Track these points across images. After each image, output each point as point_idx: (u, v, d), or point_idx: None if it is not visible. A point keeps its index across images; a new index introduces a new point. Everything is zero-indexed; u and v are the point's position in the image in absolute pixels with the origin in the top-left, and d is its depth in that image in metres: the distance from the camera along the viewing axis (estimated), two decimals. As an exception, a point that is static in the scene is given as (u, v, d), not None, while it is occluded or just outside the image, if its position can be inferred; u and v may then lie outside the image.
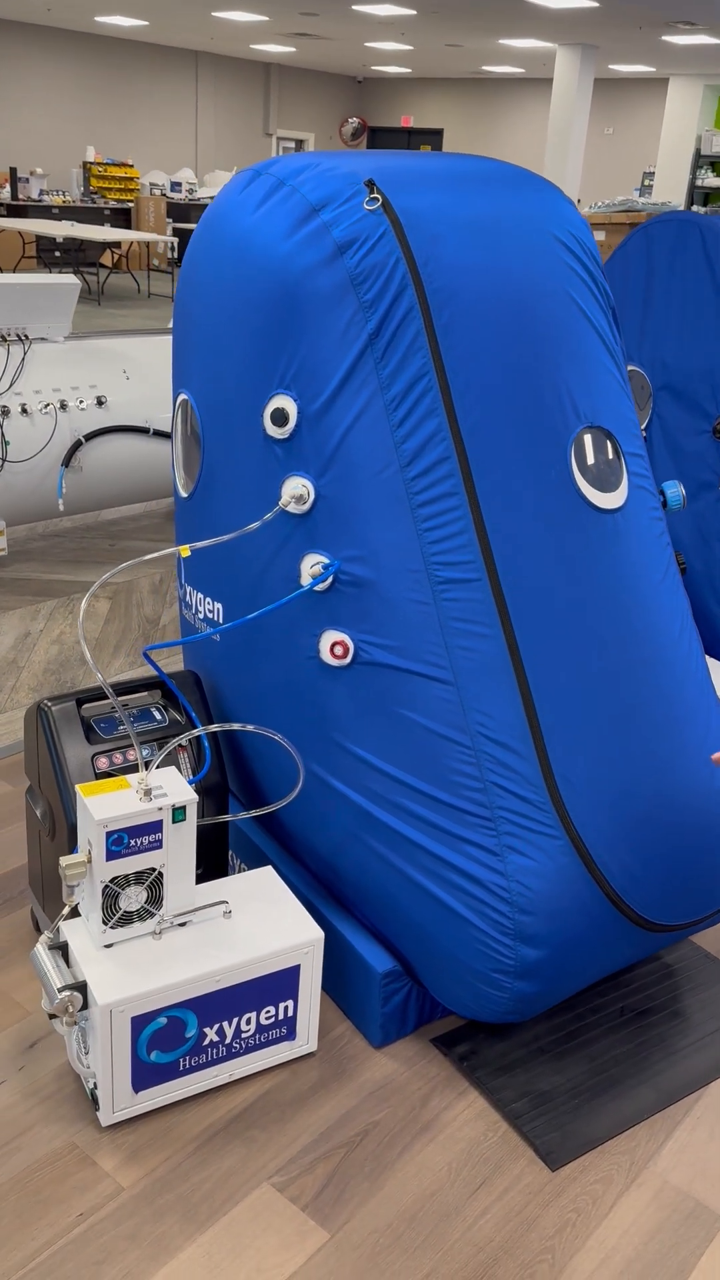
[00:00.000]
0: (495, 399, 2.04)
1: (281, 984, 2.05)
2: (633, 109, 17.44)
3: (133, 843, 1.93)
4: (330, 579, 2.05)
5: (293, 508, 2.07)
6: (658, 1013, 2.31)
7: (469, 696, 1.99)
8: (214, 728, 1.93)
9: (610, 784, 2.02)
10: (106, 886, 1.94)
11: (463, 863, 1.98)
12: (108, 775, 2.16)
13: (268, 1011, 2.06)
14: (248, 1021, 2.05)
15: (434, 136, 19.77)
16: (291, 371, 2.06)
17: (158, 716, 2.27)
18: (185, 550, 2.03)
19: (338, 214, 2.03)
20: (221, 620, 2.29)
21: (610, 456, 2.16)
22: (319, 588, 2.06)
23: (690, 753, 2.13)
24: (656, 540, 2.21)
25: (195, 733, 1.94)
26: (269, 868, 2.24)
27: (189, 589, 2.42)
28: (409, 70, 19.20)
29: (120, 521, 5.34)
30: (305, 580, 2.08)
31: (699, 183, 16.08)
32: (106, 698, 2.23)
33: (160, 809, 1.93)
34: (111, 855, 1.91)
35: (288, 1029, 2.11)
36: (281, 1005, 2.07)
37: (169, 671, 2.22)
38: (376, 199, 2.03)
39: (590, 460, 2.12)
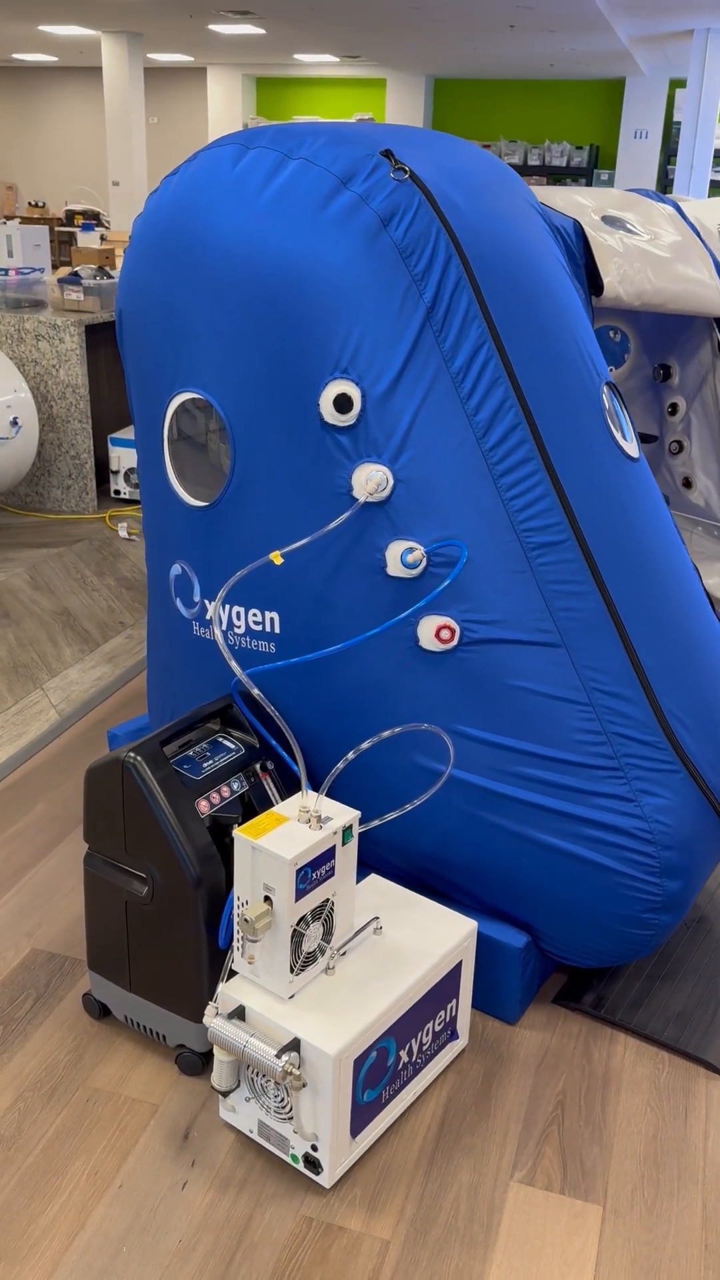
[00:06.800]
0: (541, 361, 2.07)
1: (449, 985, 1.98)
2: (174, 99, 17.55)
3: (313, 876, 1.77)
4: (424, 564, 1.98)
5: (372, 497, 1.97)
6: (713, 917, 2.50)
7: (578, 655, 2.03)
8: (366, 745, 1.80)
9: (701, 710, 2.15)
10: (294, 930, 1.76)
11: (600, 815, 2.02)
12: (214, 819, 1.95)
13: (440, 1017, 1.99)
14: (427, 1033, 1.96)
15: (-34, 129, 18.64)
16: (347, 355, 1.95)
17: (230, 746, 2.07)
18: (277, 557, 1.87)
19: (369, 186, 1.95)
20: (278, 630, 2.12)
21: (621, 409, 2.27)
22: (413, 571, 1.99)
23: (730, 671, 2.31)
24: (654, 482, 2.36)
25: (367, 743, 1.81)
26: (373, 875, 2.14)
27: (213, 604, 2.21)
28: None
29: None
30: (394, 570, 2.00)
31: (255, 169, 16.54)
32: (172, 738, 2.00)
33: (335, 833, 1.78)
34: (300, 894, 1.75)
35: (451, 1030, 2.04)
36: (449, 1006, 2.01)
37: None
38: (403, 170, 1.97)
39: (616, 414, 2.22)
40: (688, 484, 4.25)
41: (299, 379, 1.99)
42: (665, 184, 14.86)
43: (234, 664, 1.69)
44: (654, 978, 2.29)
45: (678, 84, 14.83)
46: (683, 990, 2.26)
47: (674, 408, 4.38)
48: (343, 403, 1.96)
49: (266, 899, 1.75)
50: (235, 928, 1.81)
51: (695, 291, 3.58)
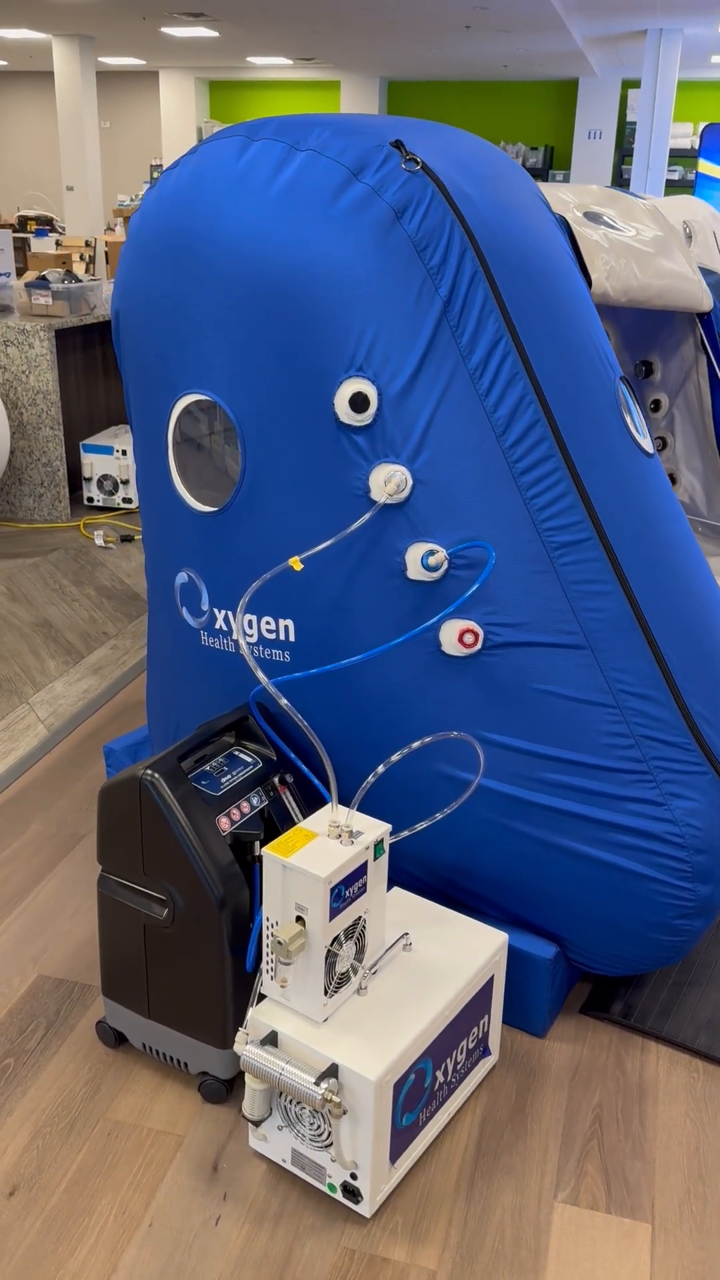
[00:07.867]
0: (557, 356, 2.02)
1: (481, 1001, 1.92)
2: (126, 102, 17.38)
3: (346, 893, 1.70)
4: (445, 567, 1.92)
5: (392, 498, 1.91)
6: (729, 919, 2.46)
7: (604, 656, 1.97)
8: (396, 757, 1.74)
9: (725, 711, 2.11)
10: (329, 950, 1.69)
11: (629, 821, 1.97)
12: (235, 836, 1.87)
13: (473, 1034, 1.93)
14: (462, 1051, 1.90)
15: None
16: (362, 353, 1.89)
17: (247, 759, 2.00)
18: (297, 563, 1.80)
19: (381, 178, 1.89)
20: (293, 638, 2.05)
21: (634, 403, 2.23)
22: (431, 575, 1.93)
23: (749, 669, 2.27)
24: (667, 478, 2.31)
25: (397, 755, 1.74)
26: (397, 888, 2.07)
27: (223, 613, 2.13)
28: None
29: None
30: (415, 573, 1.93)
31: (210, 173, 16.41)
32: (188, 753, 1.92)
33: (367, 848, 1.72)
34: (333, 913, 1.68)
35: (484, 1046, 1.98)
36: (481, 1022, 1.94)
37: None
38: (415, 161, 1.91)
39: (629, 408, 2.17)
40: (672, 480, 4.23)
41: (312, 378, 1.92)
42: (620, 183, 14.94)
43: (260, 674, 1.62)
44: (680, 984, 2.25)
45: (630, 84, 14.92)
46: (711, 996, 2.22)
47: (656, 404, 4.35)
48: (359, 401, 1.89)
49: (299, 919, 1.68)
50: (266, 950, 1.74)
51: (679, 287, 3.54)
